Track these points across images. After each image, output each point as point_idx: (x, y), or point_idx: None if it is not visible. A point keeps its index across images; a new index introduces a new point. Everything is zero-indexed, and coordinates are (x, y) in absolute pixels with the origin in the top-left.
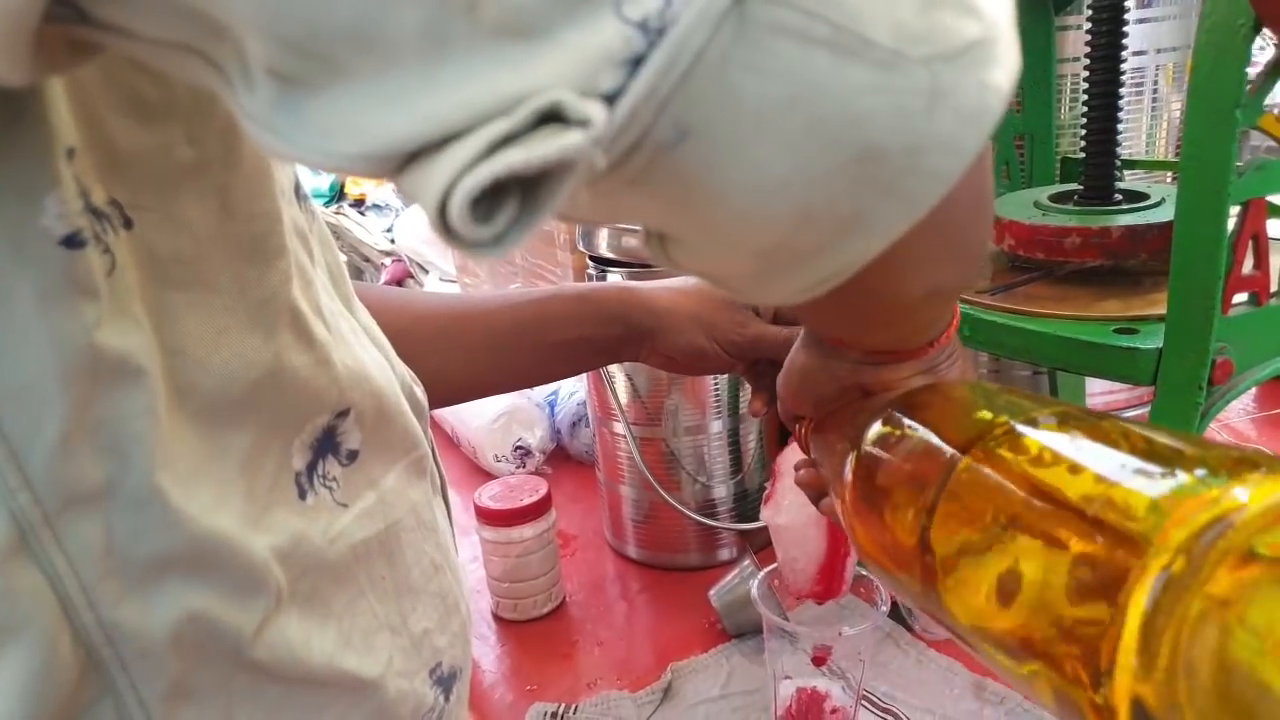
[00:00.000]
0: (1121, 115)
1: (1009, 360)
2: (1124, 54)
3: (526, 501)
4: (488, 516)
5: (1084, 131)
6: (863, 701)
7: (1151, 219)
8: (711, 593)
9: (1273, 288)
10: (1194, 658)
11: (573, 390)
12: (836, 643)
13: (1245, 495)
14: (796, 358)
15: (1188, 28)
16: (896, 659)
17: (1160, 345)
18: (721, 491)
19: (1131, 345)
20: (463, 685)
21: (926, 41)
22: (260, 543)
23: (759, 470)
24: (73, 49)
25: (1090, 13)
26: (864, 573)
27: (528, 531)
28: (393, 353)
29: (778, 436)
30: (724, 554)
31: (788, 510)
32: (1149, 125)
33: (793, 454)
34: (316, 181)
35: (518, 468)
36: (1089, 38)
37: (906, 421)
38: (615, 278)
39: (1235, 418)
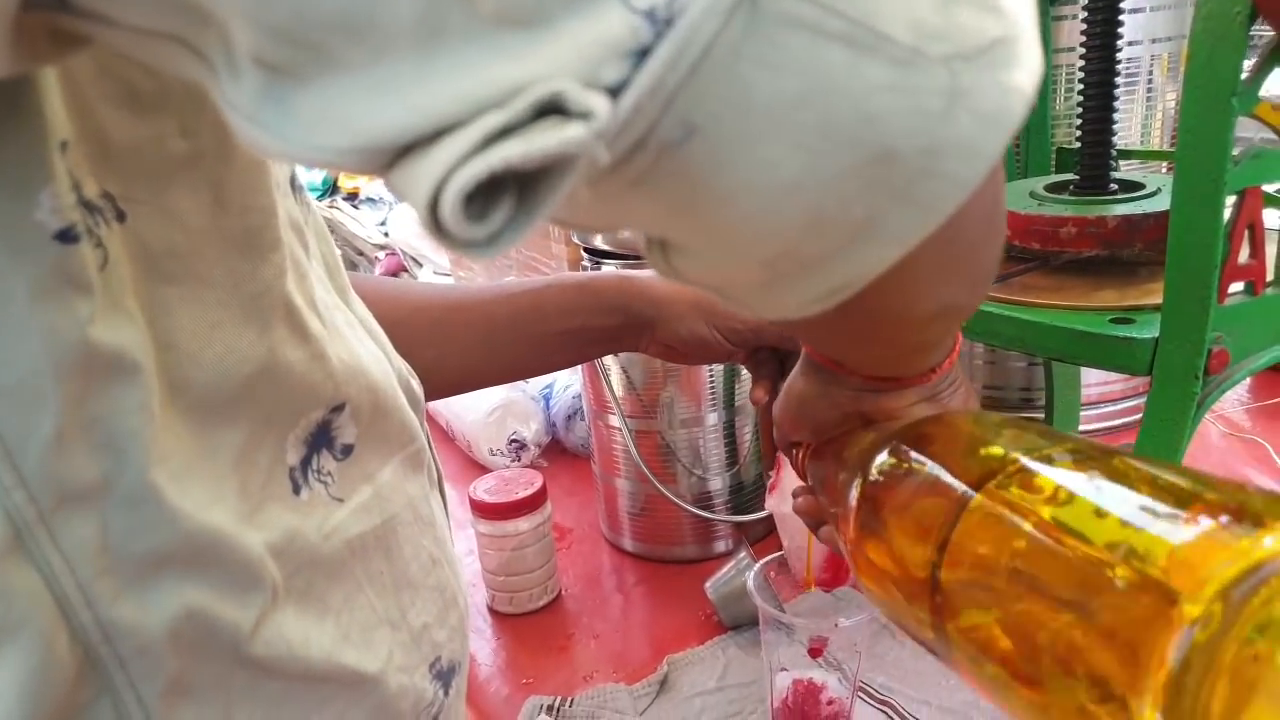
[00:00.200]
0: (1117, 105)
1: (1005, 351)
2: (1119, 44)
3: (522, 495)
4: (483, 510)
5: (1079, 121)
6: (859, 693)
7: (1147, 208)
8: (708, 585)
9: (1269, 277)
10: (1225, 713)
11: (568, 383)
12: (833, 634)
13: (1274, 543)
14: (795, 383)
15: (1183, 17)
16: (893, 650)
17: (1156, 335)
18: (717, 484)
19: (1127, 335)
20: (461, 679)
21: (946, 39)
22: (254, 539)
23: (755, 463)
24: (55, 39)
25: (1085, 2)
26: None
27: (523, 525)
28: (389, 345)
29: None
30: (720, 546)
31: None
32: (1144, 115)
33: None
34: (310, 175)
35: (513, 461)
36: (1084, 27)
37: (913, 455)
38: (610, 269)
39: (1230, 408)
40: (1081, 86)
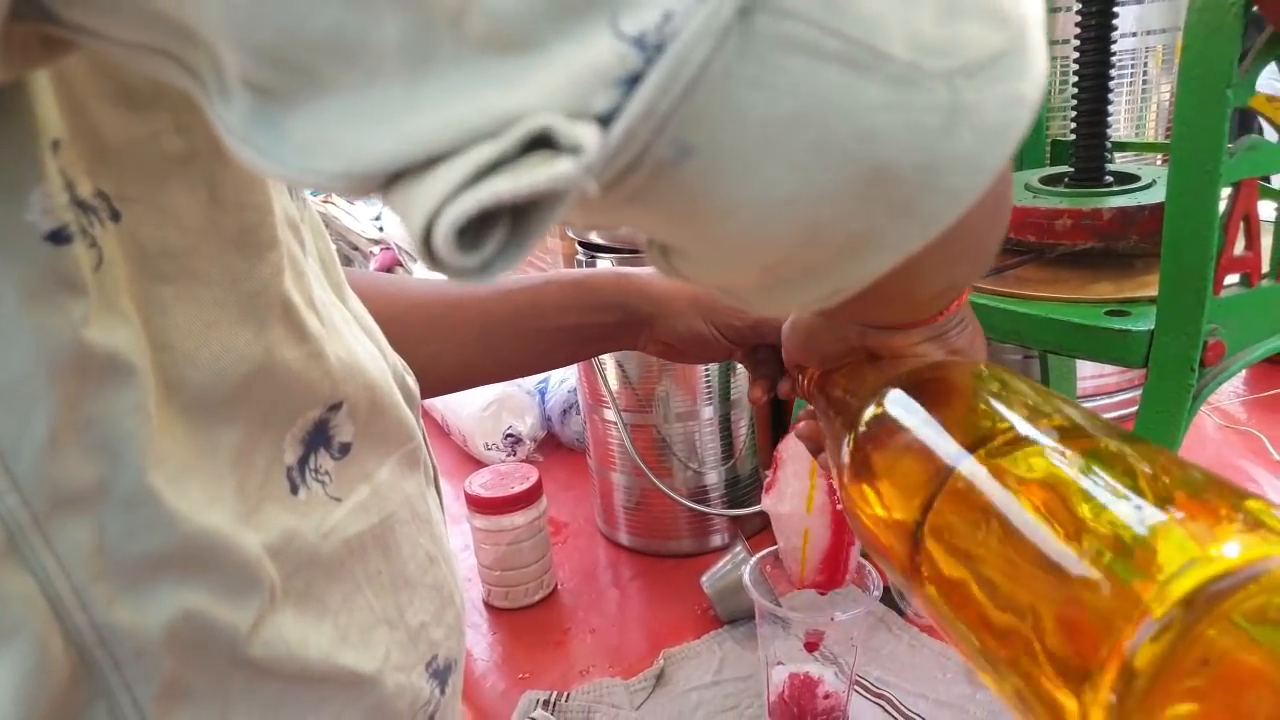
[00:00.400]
0: (1111, 98)
1: (1000, 343)
2: (1114, 36)
3: (517, 489)
4: (478, 505)
5: (1074, 114)
6: (855, 687)
7: (1143, 200)
8: (704, 579)
9: (1264, 269)
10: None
11: (563, 378)
12: (829, 628)
13: (1236, 552)
14: (802, 315)
15: (1177, 9)
16: (889, 644)
17: (1152, 327)
18: (713, 478)
19: (1123, 327)
20: (457, 677)
21: (946, 54)
22: (252, 540)
23: (751, 457)
24: (47, 45)
25: None
26: (864, 561)
27: (519, 519)
28: (385, 342)
29: (771, 423)
30: (716, 540)
31: (791, 499)
32: (1139, 108)
33: (794, 443)
34: None
35: (508, 456)
36: (1079, 19)
37: (912, 406)
38: (605, 264)
39: (1226, 400)
40: (1076, 79)
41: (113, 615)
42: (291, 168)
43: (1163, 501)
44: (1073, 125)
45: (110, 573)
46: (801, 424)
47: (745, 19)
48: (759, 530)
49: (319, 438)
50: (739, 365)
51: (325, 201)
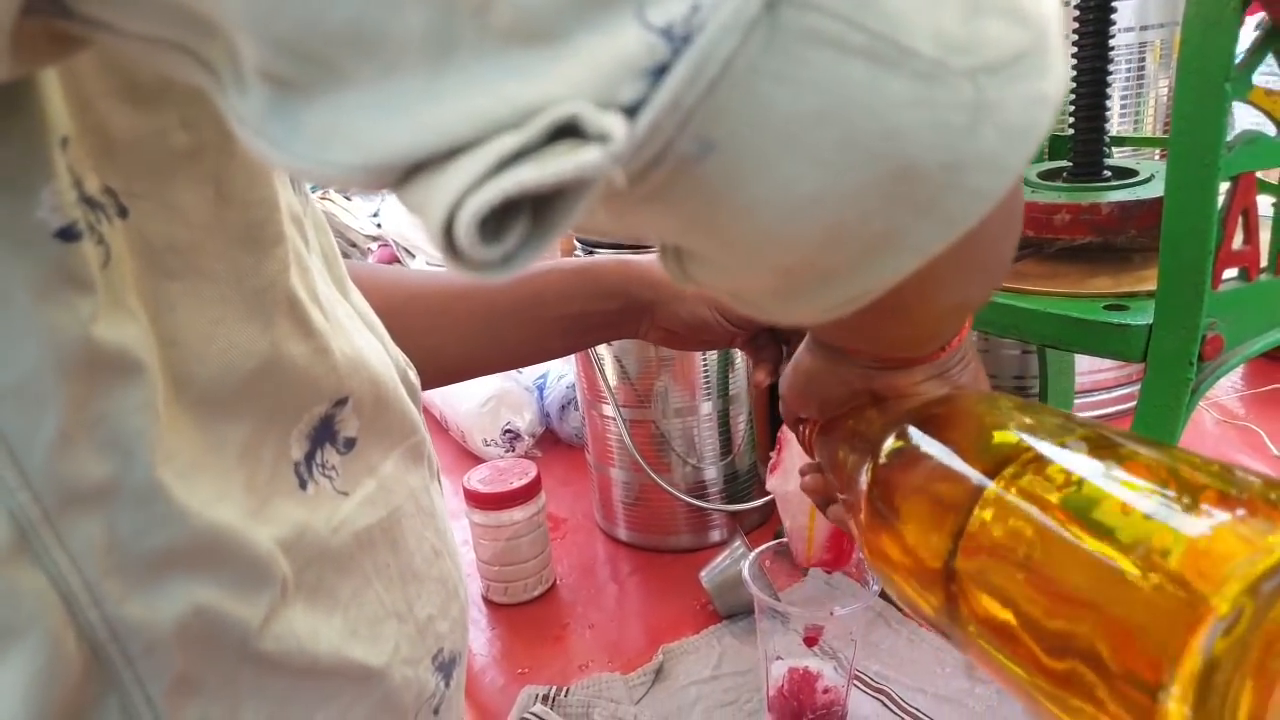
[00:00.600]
0: (1109, 92)
1: (998, 338)
2: (1112, 31)
3: (516, 485)
4: (477, 500)
5: (1072, 108)
6: (855, 681)
7: (1141, 195)
8: (702, 574)
9: (1263, 263)
10: (1254, 708)
11: (561, 373)
12: (828, 623)
13: None
14: (802, 360)
15: (1175, 4)
16: (888, 639)
17: (1150, 321)
18: (712, 473)
19: (1122, 322)
20: (461, 670)
21: (970, 52)
22: (263, 534)
23: (749, 451)
24: (56, 42)
25: None
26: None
27: (517, 514)
28: (387, 336)
29: (769, 417)
30: (715, 535)
31: (797, 478)
32: (1137, 102)
33: None
34: None
35: (507, 451)
36: (1077, 14)
37: (925, 439)
38: (608, 255)
39: (1224, 395)
40: (1074, 74)
41: (124, 611)
42: (307, 161)
43: (1205, 501)
44: (1071, 120)
45: (122, 568)
46: (808, 478)
47: (772, 12)
48: (758, 525)
49: (325, 433)
50: (737, 361)
51: (323, 198)
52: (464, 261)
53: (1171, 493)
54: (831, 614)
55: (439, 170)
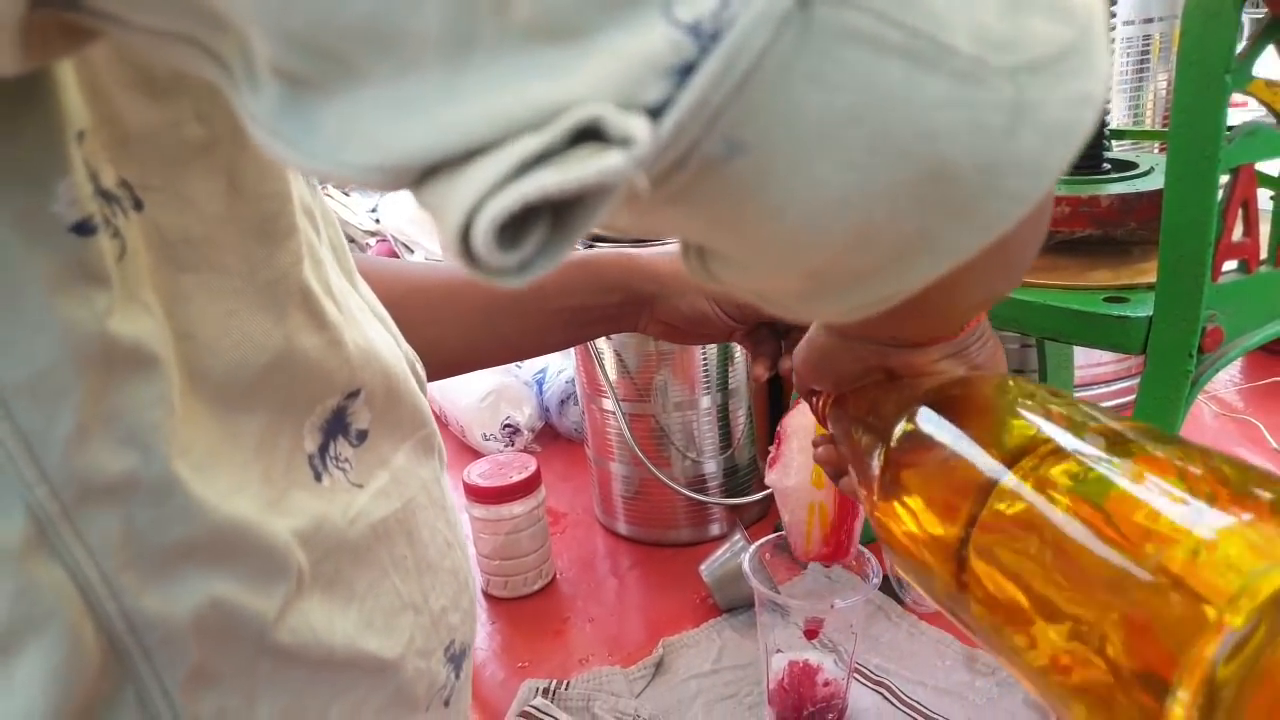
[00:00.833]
0: (1110, 85)
1: (998, 331)
2: (1113, 23)
3: (516, 479)
4: (477, 494)
5: None
6: (855, 674)
7: (1141, 187)
8: (702, 567)
9: (1262, 255)
10: (1261, 715)
11: (561, 368)
12: (828, 615)
13: None
14: (817, 335)
15: None
16: (888, 632)
17: (1150, 313)
18: (711, 467)
19: (1122, 314)
20: (469, 662)
21: (1012, 49)
22: (281, 526)
23: (749, 445)
24: (67, 34)
25: None
26: (863, 549)
27: (517, 508)
28: (396, 329)
29: (769, 409)
30: (714, 529)
31: (796, 472)
32: (1137, 96)
33: (800, 416)
34: None
35: (506, 446)
36: None
37: (942, 423)
38: (609, 249)
39: (1223, 389)
40: None
41: (141, 603)
42: (322, 160)
43: (1223, 503)
44: None
45: (139, 562)
46: (820, 450)
47: (805, 8)
48: (757, 519)
49: (337, 425)
50: (736, 354)
51: (322, 194)
52: (480, 267)
53: (1189, 493)
54: (832, 607)
55: (457, 172)
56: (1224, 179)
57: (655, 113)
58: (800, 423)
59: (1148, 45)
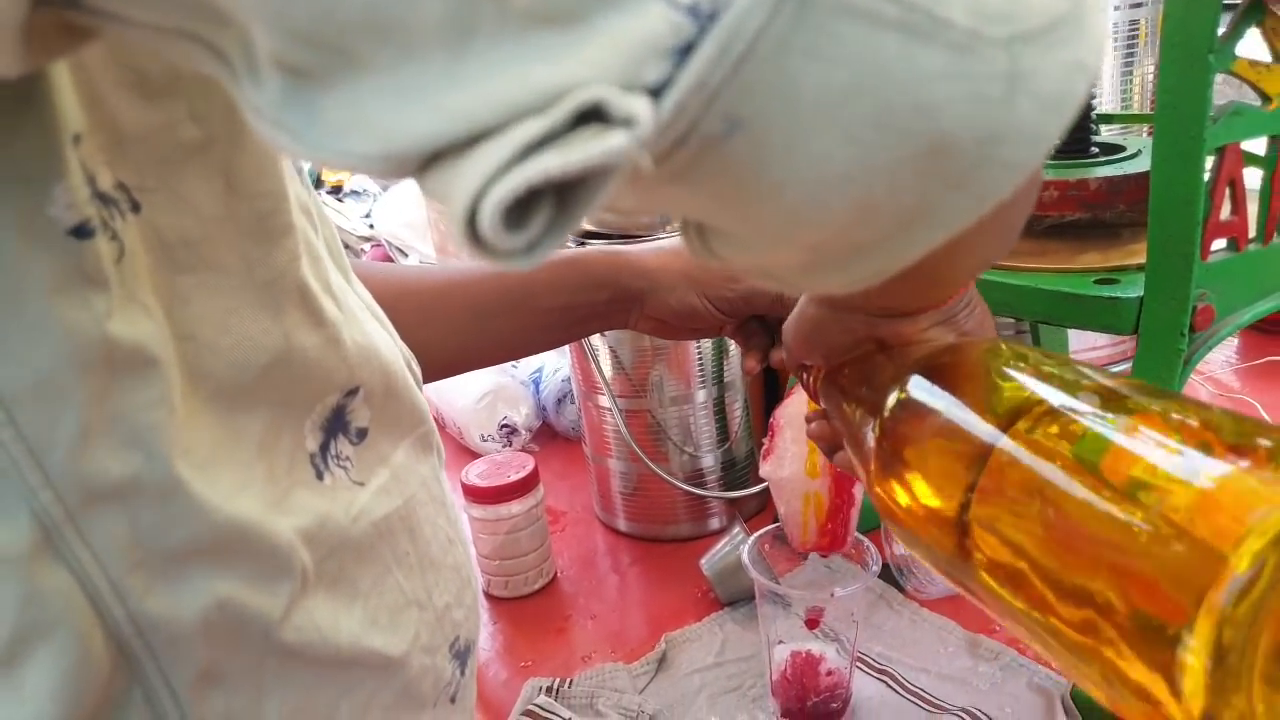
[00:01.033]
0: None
1: (992, 317)
2: None
3: (514, 478)
4: (475, 494)
5: None
6: (857, 663)
7: (1128, 170)
8: (703, 561)
9: (1251, 233)
10: (1273, 656)
11: (557, 367)
12: (829, 604)
13: None
14: (805, 308)
15: None
16: (890, 620)
17: (1141, 294)
18: (709, 461)
19: (1113, 295)
20: (474, 659)
21: (1006, 20)
22: (284, 525)
23: (746, 439)
24: (67, 34)
25: None
26: (861, 537)
27: (516, 508)
28: (392, 328)
29: (763, 402)
30: (714, 523)
31: (791, 463)
32: (1125, 81)
33: (793, 407)
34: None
35: (504, 446)
36: None
37: (935, 390)
38: (597, 246)
39: (1218, 369)
40: None
41: (148, 605)
42: (325, 150)
43: (1220, 452)
44: None
45: (144, 564)
46: (813, 425)
47: None
48: (756, 512)
49: (337, 423)
50: (731, 348)
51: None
52: (487, 250)
53: (1185, 444)
54: (832, 595)
55: (461, 158)
56: (1210, 159)
57: (655, 93)
58: (793, 413)
59: (1135, 30)
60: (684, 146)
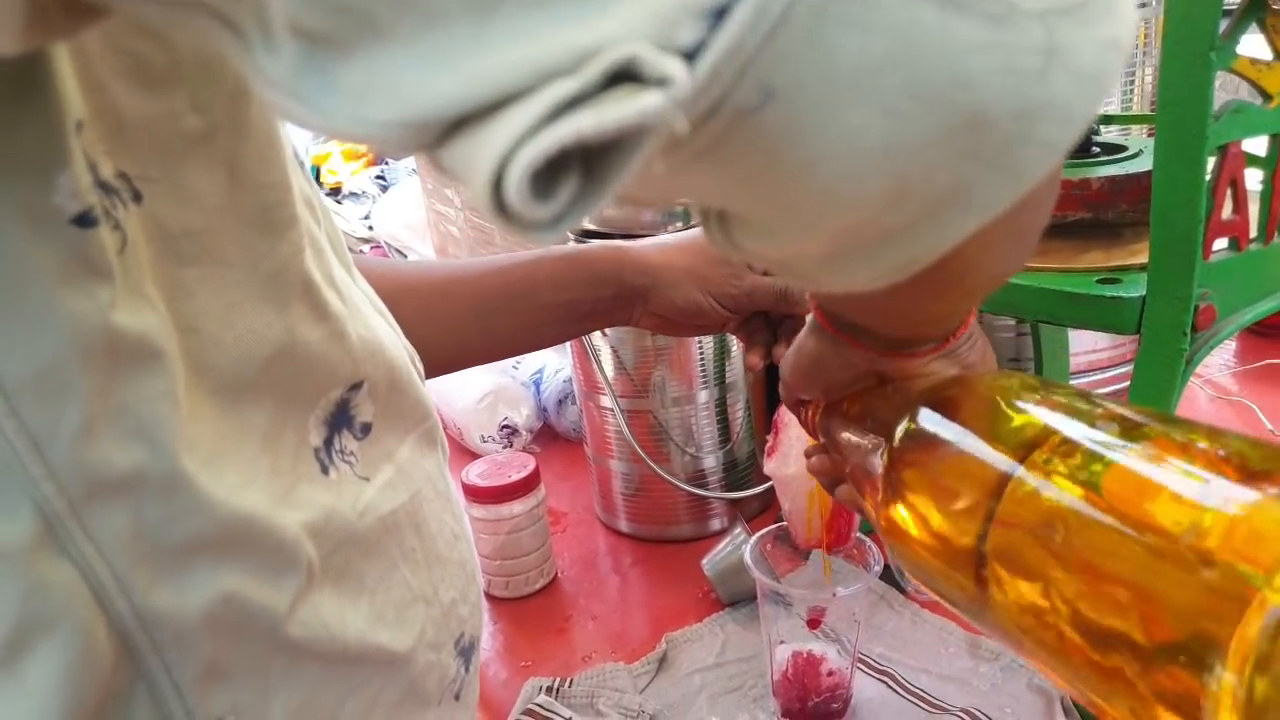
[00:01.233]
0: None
1: (993, 318)
2: None
3: (515, 478)
4: (476, 494)
5: None
6: (858, 664)
7: (1130, 169)
8: (704, 561)
9: (1252, 233)
10: None
11: (558, 367)
12: (831, 604)
13: None
14: (805, 343)
15: None
16: (891, 621)
17: (1143, 293)
18: (711, 462)
19: (1115, 294)
20: (478, 656)
21: None
22: (290, 519)
23: (748, 439)
24: (69, 12)
25: None
26: (863, 537)
27: (517, 508)
28: (394, 322)
29: (766, 402)
30: (715, 524)
31: (796, 460)
32: (1127, 82)
33: None
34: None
35: (504, 447)
36: None
37: (945, 423)
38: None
39: (1217, 373)
40: None
41: (152, 600)
42: (342, 119)
43: (1244, 478)
44: None
45: (149, 558)
46: (814, 460)
47: None
48: (758, 513)
49: (342, 418)
50: (733, 348)
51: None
52: (513, 220)
53: (1209, 472)
54: (834, 595)
55: (486, 123)
56: (1211, 160)
57: (689, 56)
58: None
59: (1136, 32)
60: (715, 117)
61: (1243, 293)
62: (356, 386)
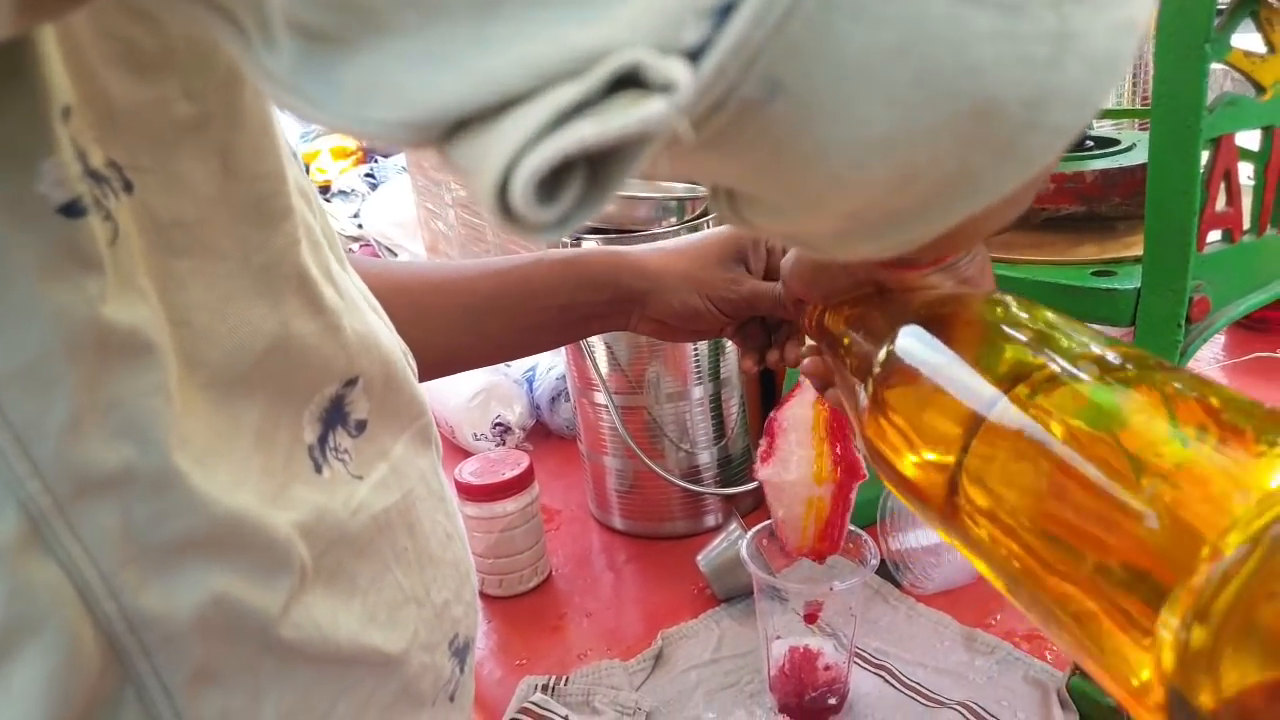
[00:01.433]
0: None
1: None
2: None
3: (508, 475)
4: (469, 492)
5: None
6: (855, 658)
7: (1124, 162)
8: (699, 558)
9: (1245, 225)
10: (1242, 631)
11: (551, 365)
12: (827, 599)
13: None
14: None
15: None
16: (886, 615)
17: (1138, 285)
18: (705, 458)
19: (1110, 286)
20: (473, 656)
21: None
22: (282, 519)
23: (742, 435)
24: None
25: None
26: (860, 532)
27: (510, 506)
28: (388, 319)
29: (760, 400)
30: (710, 520)
31: (796, 467)
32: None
33: (795, 409)
34: None
35: (497, 445)
36: None
37: (935, 343)
38: (591, 245)
39: (1205, 365)
40: None
41: (141, 601)
42: (345, 117)
43: (1217, 433)
44: None
45: (138, 558)
46: (807, 361)
47: None
48: (753, 509)
49: (336, 415)
50: (727, 345)
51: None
52: (518, 223)
53: (1184, 424)
54: (831, 589)
55: (490, 125)
56: (1205, 153)
57: (694, 55)
58: (798, 416)
59: None
60: (722, 110)
61: (1236, 284)
62: (352, 382)
